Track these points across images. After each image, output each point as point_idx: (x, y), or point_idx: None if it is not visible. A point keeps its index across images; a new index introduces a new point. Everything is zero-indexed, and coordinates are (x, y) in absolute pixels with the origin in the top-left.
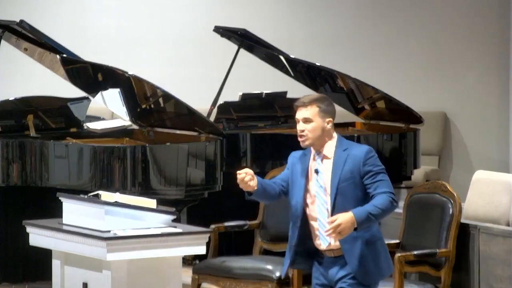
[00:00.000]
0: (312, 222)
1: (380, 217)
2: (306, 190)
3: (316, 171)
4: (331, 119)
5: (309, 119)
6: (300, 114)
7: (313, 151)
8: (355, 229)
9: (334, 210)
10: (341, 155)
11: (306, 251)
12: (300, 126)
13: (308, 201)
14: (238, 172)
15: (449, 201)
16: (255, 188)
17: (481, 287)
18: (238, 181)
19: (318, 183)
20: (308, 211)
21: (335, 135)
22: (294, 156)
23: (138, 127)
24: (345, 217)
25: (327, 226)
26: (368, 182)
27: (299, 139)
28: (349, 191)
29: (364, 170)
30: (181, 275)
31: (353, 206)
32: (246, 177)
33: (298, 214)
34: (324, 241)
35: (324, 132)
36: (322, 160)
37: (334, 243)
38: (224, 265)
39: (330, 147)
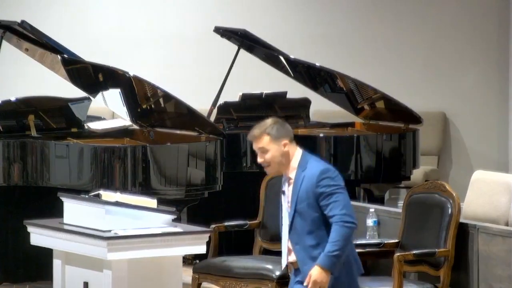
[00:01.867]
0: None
1: (344, 246)
2: (280, 212)
3: (283, 193)
4: (286, 141)
5: (264, 149)
6: (255, 146)
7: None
8: (332, 273)
9: (291, 231)
10: (300, 176)
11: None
12: (259, 158)
13: (282, 222)
14: None
15: (448, 201)
16: None
17: (480, 287)
18: None
19: (286, 204)
20: (281, 231)
21: (298, 153)
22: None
23: (139, 127)
24: (314, 272)
25: (288, 246)
26: (323, 204)
27: (265, 170)
28: (305, 212)
29: (317, 192)
30: (181, 275)
31: (310, 227)
32: None
33: (280, 233)
34: (284, 260)
35: (283, 156)
36: (288, 182)
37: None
38: (224, 264)
39: (293, 168)
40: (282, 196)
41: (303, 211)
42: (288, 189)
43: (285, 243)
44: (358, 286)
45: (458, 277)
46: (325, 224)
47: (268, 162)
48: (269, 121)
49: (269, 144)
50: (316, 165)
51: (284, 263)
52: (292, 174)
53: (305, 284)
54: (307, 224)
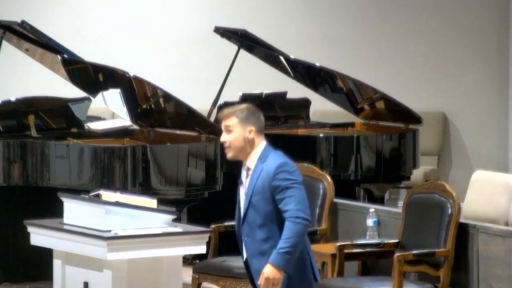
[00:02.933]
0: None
1: (297, 244)
2: (238, 203)
3: (241, 182)
4: (252, 128)
5: (229, 129)
6: (222, 123)
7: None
8: (286, 272)
9: (244, 223)
10: (258, 167)
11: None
12: (222, 137)
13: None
14: None
15: (448, 201)
16: None
17: (480, 287)
18: None
19: (239, 195)
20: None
21: (261, 145)
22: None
23: (139, 127)
24: (267, 270)
25: (242, 239)
26: (278, 198)
27: (225, 151)
28: (259, 205)
29: (273, 185)
30: (181, 275)
31: (262, 220)
32: None
33: (237, 227)
34: (244, 253)
35: (246, 142)
36: (247, 172)
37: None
38: (224, 264)
39: (253, 159)
40: (240, 187)
41: (257, 203)
42: (246, 180)
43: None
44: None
45: (458, 277)
46: (278, 219)
47: (230, 143)
48: (243, 105)
49: (235, 125)
50: (276, 158)
51: (244, 256)
52: (251, 164)
53: (258, 282)
54: (259, 217)
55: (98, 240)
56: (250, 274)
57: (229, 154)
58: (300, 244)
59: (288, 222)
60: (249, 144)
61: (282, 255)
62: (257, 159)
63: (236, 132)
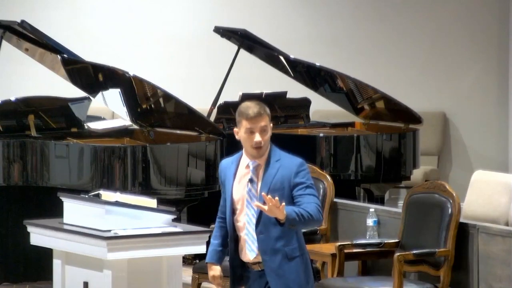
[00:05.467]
0: (240, 234)
1: (306, 222)
2: (232, 200)
3: (251, 180)
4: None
5: (266, 129)
6: (257, 124)
7: (245, 159)
8: (282, 224)
9: (260, 220)
10: (274, 164)
11: (240, 265)
12: (257, 137)
13: (237, 211)
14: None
15: (448, 201)
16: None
17: (480, 287)
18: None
19: (251, 192)
20: (236, 221)
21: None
22: (223, 166)
23: (139, 127)
24: (274, 203)
25: (255, 236)
26: (297, 194)
27: (255, 151)
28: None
29: (294, 182)
30: (181, 275)
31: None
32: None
33: (230, 226)
34: (252, 252)
35: (269, 140)
36: (256, 169)
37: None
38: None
39: (265, 155)
40: (249, 184)
41: None
42: (257, 178)
43: (250, 233)
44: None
45: (458, 277)
46: None
47: (265, 143)
48: (259, 102)
49: (269, 124)
50: (292, 157)
51: (253, 254)
52: (263, 161)
53: (267, 203)
54: None
55: (98, 240)
56: (234, 273)
57: (261, 154)
58: (305, 225)
59: (313, 204)
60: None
61: (294, 213)
62: (268, 157)
63: (269, 132)
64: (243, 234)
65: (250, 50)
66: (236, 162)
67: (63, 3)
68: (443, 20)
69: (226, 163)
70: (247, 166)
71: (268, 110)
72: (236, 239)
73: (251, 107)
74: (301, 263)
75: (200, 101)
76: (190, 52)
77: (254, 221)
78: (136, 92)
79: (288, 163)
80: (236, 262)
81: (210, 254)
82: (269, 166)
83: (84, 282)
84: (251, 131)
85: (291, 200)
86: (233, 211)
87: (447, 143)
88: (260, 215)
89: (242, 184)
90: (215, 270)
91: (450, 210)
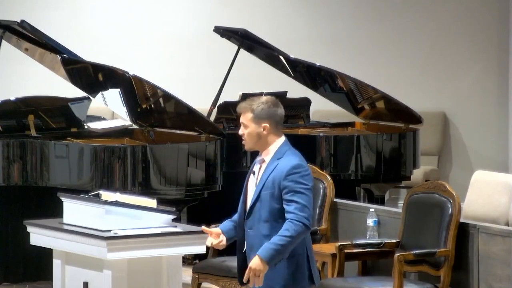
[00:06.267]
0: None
1: (290, 245)
2: (244, 192)
3: (253, 173)
4: (267, 124)
5: (245, 125)
6: (240, 118)
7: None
8: (267, 263)
9: (250, 216)
10: (274, 162)
11: (243, 257)
12: (240, 130)
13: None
14: (203, 229)
15: (449, 201)
16: (225, 243)
17: (481, 287)
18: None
19: (253, 186)
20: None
21: (279, 140)
22: (254, 161)
23: (139, 127)
24: (254, 261)
25: (248, 231)
26: (285, 198)
27: (243, 142)
28: (266, 201)
29: (283, 185)
30: (181, 275)
31: (267, 216)
32: (214, 241)
33: (240, 219)
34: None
35: (261, 138)
36: (261, 163)
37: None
38: (224, 264)
39: (270, 152)
40: (251, 176)
41: (265, 199)
42: (258, 171)
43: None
44: None
45: (458, 277)
46: (282, 217)
47: (245, 137)
48: (262, 99)
49: (250, 121)
50: (292, 158)
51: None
52: (267, 158)
53: (245, 276)
54: (265, 212)
55: (97, 240)
56: (240, 266)
57: (246, 146)
58: (291, 247)
59: (289, 222)
60: (264, 140)
61: (271, 251)
62: (273, 154)
63: (250, 128)
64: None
65: (250, 50)
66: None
67: (63, 3)
68: (443, 20)
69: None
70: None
71: (257, 108)
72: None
73: (244, 101)
74: (290, 265)
75: (200, 101)
76: (190, 52)
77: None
78: (136, 92)
79: (283, 164)
80: (240, 255)
81: (223, 223)
82: (270, 163)
83: (84, 282)
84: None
85: (280, 201)
86: (244, 202)
87: (447, 143)
88: (252, 209)
89: (252, 178)
90: (215, 230)
91: (450, 210)
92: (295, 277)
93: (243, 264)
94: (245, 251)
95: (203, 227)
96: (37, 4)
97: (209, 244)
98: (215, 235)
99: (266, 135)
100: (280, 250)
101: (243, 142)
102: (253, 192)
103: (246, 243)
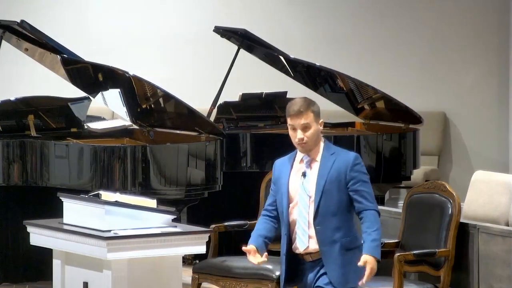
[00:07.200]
0: (293, 227)
1: (381, 232)
2: (288, 195)
3: (304, 174)
4: (322, 120)
5: (308, 126)
6: (298, 121)
7: (300, 154)
8: (378, 261)
9: (318, 212)
10: (329, 158)
11: (295, 259)
12: (299, 134)
13: (290, 205)
14: (244, 249)
15: (449, 201)
16: (264, 257)
17: (481, 287)
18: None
19: (303, 186)
20: (290, 214)
21: (322, 137)
22: (277, 165)
23: (139, 127)
24: (372, 263)
25: (305, 229)
26: (353, 189)
27: (299, 147)
28: (334, 194)
29: (350, 176)
30: (181, 275)
31: (336, 209)
32: (259, 260)
33: (285, 220)
34: (302, 244)
35: (319, 136)
36: (310, 163)
37: (312, 246)
38: (224, 264)
39: (318, 150)
40: (302, 178)
41: (332, 192)
42: (310, 171)
43: (301, 226)
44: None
45: (458, 277)
46: (347, 208)
47: (308, 139)
48: (307, 99)
49: (313, 121)
50: (346, 150)
51: (303, 246)
52: (317, 156)
53: (365, 277)
54: (333, 206)
55: (97, 240)
56: (288, 268)
57: (306, 149)
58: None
59: (371, 215)
60: (319, 137)
61: (378, 248)
62: (323, 150)
63: (313, 128)
64: (294, 227)
65: (250, 50)
66: (292, 158)
67: (64, 4)
68: (443, 20)
69: (281, 161)
70: (301, 161)
71: (313, 106)
72: (290, 232)
73: (293, 104)
74: (359, 254)
75: (200, 101)
76: (190, 52)
77: (305, 214)
78: (136, 92)
79: (344, 156)
80: (290, 255)
81: (252, 238)
82: (324, 159)
83: (84, 282)
84: (293, 128)
85: (346, 192)
86: (288, 205)
87: (447, 143)
88: (318, 207)
89: (298, 178)
90: (251, 247)
91: (450, 210)
92: (355, 269)
93: (288, 267)
94: (288, 253)
95: (244, 248)
96: (38, 4)
97: (255, 262)
98: (253, 253)
99: (320, 132)
100: (380, 244)
101: (304, 146)
102: (305, 193)
103: (317, 240)
